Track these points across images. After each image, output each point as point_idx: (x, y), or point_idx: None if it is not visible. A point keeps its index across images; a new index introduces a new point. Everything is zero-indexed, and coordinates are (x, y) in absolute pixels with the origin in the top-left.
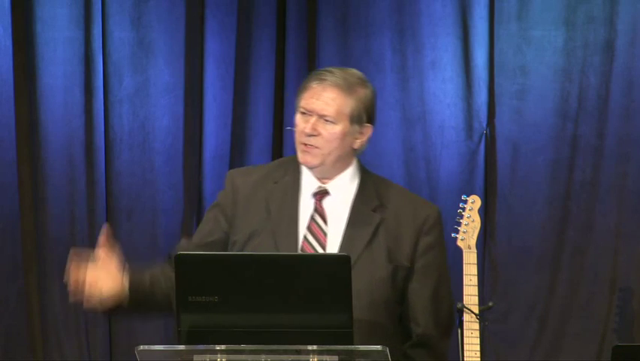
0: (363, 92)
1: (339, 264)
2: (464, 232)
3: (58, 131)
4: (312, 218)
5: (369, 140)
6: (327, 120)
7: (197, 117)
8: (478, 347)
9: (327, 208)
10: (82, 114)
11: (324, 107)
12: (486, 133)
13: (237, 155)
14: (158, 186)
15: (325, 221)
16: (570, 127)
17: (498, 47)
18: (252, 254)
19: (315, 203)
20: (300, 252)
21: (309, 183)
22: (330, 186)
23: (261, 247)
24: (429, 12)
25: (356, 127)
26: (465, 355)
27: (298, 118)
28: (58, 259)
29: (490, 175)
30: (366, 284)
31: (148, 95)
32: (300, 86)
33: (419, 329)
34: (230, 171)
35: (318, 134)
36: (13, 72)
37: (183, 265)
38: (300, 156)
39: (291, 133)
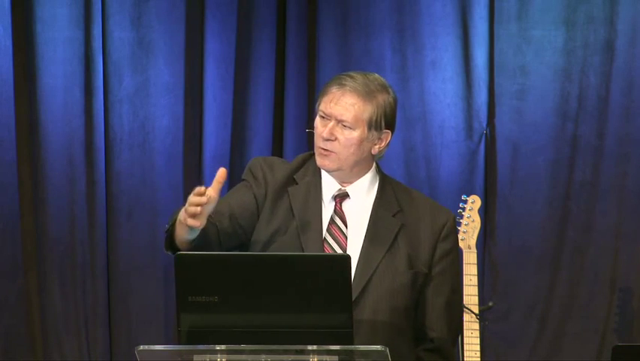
0: (383, 99)
1: (339, 264)
2: (464, 232)
3: (58, 131)
4: (332, 220)
5: (389, 145)
6: (345, 125)
7: (197, 117)
8: (478, 347)
9: (346, 211)
10: (82, 114)
11: (342, 113)
12: (486, 133)
13: (237, 155)
14: (158, 186)
15: (345, 224)
16: (570, 127)
17: (498, 47)
18: (252, 254)
19: (335, 206)
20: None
21: (329, 185)
22: (350, 189)
23: (285, 247)
24: (429, 12)
25: (374, 133)
26: (465, 355)
27: (317, 121)
28: (58, 259)
29: (490, 175)
30: (388, 290)
31: (148, 95)
32: (321, 89)
33: (434, 335)
34: (256, 159)
35: (335, 139)
36: (13, 72)
37: (183, 265)
38: (318, 160)
39: (293, 133)
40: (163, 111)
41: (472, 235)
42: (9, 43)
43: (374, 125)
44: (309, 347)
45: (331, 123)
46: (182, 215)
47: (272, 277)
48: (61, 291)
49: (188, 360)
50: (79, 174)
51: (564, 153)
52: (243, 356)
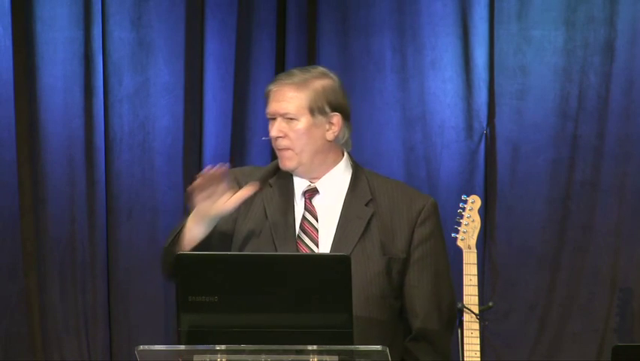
0: (321, 83)
1: (339, 264)
2: (464, 232)
3: (58, 131)
4: (304, 217)
5: (349, 130)
6: (290, 118)
7: (197, 117)
8: (478, 347)
9: (317, 206)
10: (82, 114)
11: (283, 107)
12: (486, 133)
13: (237, 155)
14: (158, 186)
15: (316, 219)
16: (570, 127)
17: (498, 47)
18: (252, 254)
19: (305, 202)
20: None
21: (299, 183)
22: (318, 184)
23: (259, 249)
24: (429, 12)
25: (320, 118)
26: (465, 355)
27: (270, 126)
28: (58, 259)
29: (490, 175)
30: (362, 279)
31: (148, 95)
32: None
33: (418, 323)
34: (232, 170)
35: (285, 135)
36: (13, 72)
37: (183, 265)
38: (280, 163)
39: None
40: (163, 111)
41: (472, 235)
42: (9, 43)
43: (317, 110)
44: (309, 347)
45: (277, 121)
46: (191, 220)
47: (272, 277)
48: (61, 291)
49: (188, 360)
50: (79, 174)
51: (564, 153)
52: (243, 356)
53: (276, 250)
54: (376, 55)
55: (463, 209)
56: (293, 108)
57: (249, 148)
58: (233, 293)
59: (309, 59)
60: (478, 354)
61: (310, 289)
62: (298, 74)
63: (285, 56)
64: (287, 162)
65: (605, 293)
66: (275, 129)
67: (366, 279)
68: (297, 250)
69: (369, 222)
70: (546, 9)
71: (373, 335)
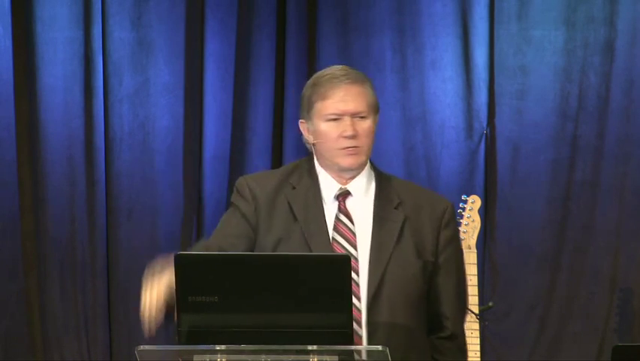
0: (370, 82)
1: (339, 264)
2: (464, 232)
3: (58, 131)
4: (338, 219)
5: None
6: (361, 117)
7: (197, 117)
8: (478, 347)
9: (350, 209)
10: (82, 114)
11: (357, 105)
12: (486, 133)
13: (237, 155)
14: (158, 186)
15: (352, 221)
16: (570, 127)
17: (498, 47)
18: (252, 254)
19: (340, 204)
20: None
21: (328, 185)
22: (350, 186)
23: (293, 251)
24: (429, 12)
25: (376, 117)
26: None
27: (327, 126)
28: (58, 259)
29: (490, 175)
30: (402, 281)
31: (148, 95)
32: (311, 95)
33: (449, 324)
34: (243, 177)
35: (357, 134)
36: (13, 72)
37: (183, 265)
38: (347, 161)
39: (293, 133)
40: (163, 111)
41: (472, 235)
42: (9, 43)
43: (375, 108)
44: (309, 347)
45: (348, 120)
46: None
47: (272, 277)
48: (61, 291)
49: (188, 360)
50: (79, 174)
51: (564, 153)
52: (243, 356)
53: (311, 251)
54: (376, 55)
55: (463, 209)
56: (366, 107)
57: (249, 148)
58: (234, 293)
59: (309, 59)
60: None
61: (310, 289)
62: (352, 72)
63: (285, 56)
64: (357, 160)
65: (605, 293)
66: (352, 128)
67: (405, 282)
68: (334, 253)
69: (402, 226)
70: (546, 9)
71: (415, 335)
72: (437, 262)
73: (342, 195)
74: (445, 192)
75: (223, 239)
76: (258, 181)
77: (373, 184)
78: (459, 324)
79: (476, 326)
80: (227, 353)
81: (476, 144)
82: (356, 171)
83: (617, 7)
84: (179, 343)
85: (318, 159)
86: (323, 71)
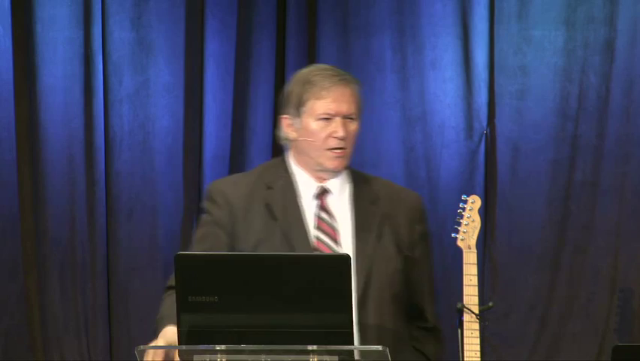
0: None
1: (339, 264)
2: (464, 232)
3: (58, 131)
4: (319, 217)
5: None
6: (351, 119)
7: (197, 117)
8: (478, 347)
9: (331, 206)
10: (82, 114)
11: (350, 107)
12: (486, 133)
13: (237, 155)
14: (158, 186)
15: (333, 218)
16: (570, 127)
17: (498, 47)
18: (252, 254)
19: (320, 202)
20: (314, 252)
21: (305, 183)
22: (329, 184)
23: (274, 251)
24: (429, 12)
25: (361, 121)
26: (465, 355)
27: (317, 125)
28: (58, 259)
29: (490, 175)
30: (387, 276)
31: (148, 95)
32: (302, 93)
33: (429, 316)
34: (213, 183)
35: (346, 136)
36: (13, 72)
37: (183, 265)
38: (333, 163)
39: None
40: (163, 111)
41: (472, 235)
42: (9, 43)
43: (361, 112)
44: (309, 347)
45: (339, 121)
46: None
47: (272, 277)
48: (61, 291)
49: (188, 360)
50: (79, 174)
51: (564, 153)
52: (243, 356)
53: (293, 250)
54: (376, 55)
55: (463, 209)
56: (355, 109)
57: (249, 148)
58: (233, 293)
59: (309, 59)
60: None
61: (310, 289)
62: (344, 72)
63: (285, 56)
64: (342, 162)
65: (605, 293)
66: (343, 130)
67: (389, 277)
68: (315, 249)
69: (381, 222)
70: (546, 9)
71: (399, 330)
72: (413, 256)
73: (322, 194)
74: (445, 192)
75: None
76: (230, 185)
77: (348, 181)
78: (436, 316)
79: (476, 326)
80: (227, 353)
81: (476, 144)
82: (336, 173)
83: (617, 7)
84: (179, 343)
85: (295, 157)
86: (310, 69)
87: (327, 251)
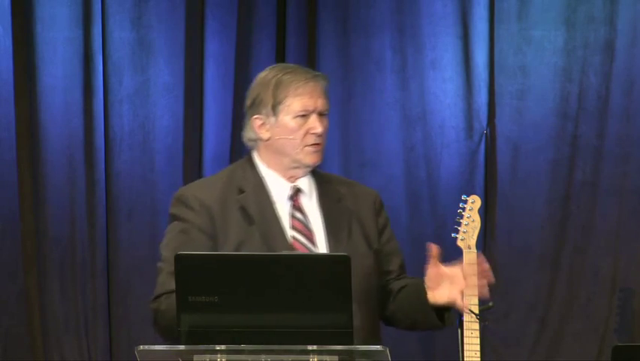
0: None
1: (339, 264)
2: (464, 232)
3: (58, 131)
4: (294, 217)
5: None
6: (324, 115)
7: (197, 117)
8: (478, 347)
9: (303, 206)
10: (82, 114)
11: (324, 103)
12: (486, 133)
13: (237, 155)
14: (158, 186)
15: (307, 218)
16: (570, 127)
17: (498, 47)
18: (252, 254)
19: (294, 202)
20: (292, 252)
21: (276, 184)
22: (300, 183)
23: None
24: (429, 12)
25: None
26: (465, 355)
27: (295, 122)
28: (58, 259)
29: (490, 175)
30: (361, 273)
31: (148, 95)
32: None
33: (396, 268)
34: (184, 189)
35: (322, 132)
36: (13, 72)
37: (183, 265)
38: (311, 158)
39: None
40: (163, 111)
41: (472, 235)
42: (9, 43)
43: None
44: (309, 347)
45: (315, 117)
46: None
47: (272, 277)
48: (61, 291)
49: (188, 360)
50: (79, 174)
51: (564, 153)
52: (243, 356)
53: (271, 251)
54: (376, 55)
55: (463, 209)
56: (328, 105)
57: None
58: (233, 293)
59: (309, 59)
60: (478, 354)
61: (310, 289)
62: (314, 71)
63: (285, 56)
64: (319, 157)
65: (605, 293)
66: (320, 124)
67: (363, 273)
68: (295, 250)
69: (349, 219)
70: (546, 9)
71: (375, 324)
72: (381, 244)
73: (295, 194)
74: (445, 192)
75: None
76: (202, 190)
77: (312, 180)
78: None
79: (476, 326)
80: (227, 353)
81: (476, 143)
82: (310, 169)
83: (617, 7)
84: (179, 343)
85: (264, 157)
86: (276, 70)
87: (303, 251)
